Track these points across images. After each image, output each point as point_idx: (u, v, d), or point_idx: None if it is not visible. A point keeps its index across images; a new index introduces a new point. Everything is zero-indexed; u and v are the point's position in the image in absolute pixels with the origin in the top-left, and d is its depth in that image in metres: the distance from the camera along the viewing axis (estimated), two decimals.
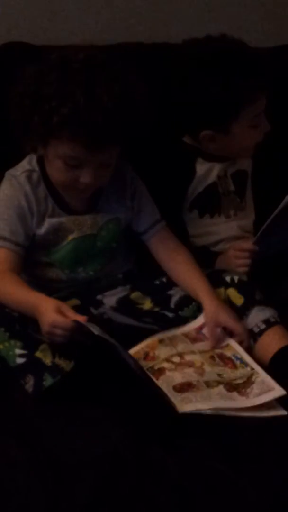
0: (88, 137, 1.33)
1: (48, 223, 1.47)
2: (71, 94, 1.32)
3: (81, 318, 1.29)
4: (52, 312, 1.29)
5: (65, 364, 1.32)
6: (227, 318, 1.43)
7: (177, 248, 1.54)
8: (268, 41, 1.80)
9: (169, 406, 1.26)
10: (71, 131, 1.33)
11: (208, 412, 1.26)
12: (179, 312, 1.50)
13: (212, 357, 1.40)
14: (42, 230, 1.46)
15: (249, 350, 1.42)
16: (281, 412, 1.28)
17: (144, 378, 1.29)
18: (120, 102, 1.33)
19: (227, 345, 1.42)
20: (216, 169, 1.63)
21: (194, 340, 1.45)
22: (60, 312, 1.30)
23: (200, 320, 1.47)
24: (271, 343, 1.42)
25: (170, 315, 1.50)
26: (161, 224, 1.55)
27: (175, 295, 1.51)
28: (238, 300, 1.48)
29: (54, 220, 1.47)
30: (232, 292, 1.49)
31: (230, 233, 1.65)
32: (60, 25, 1.59)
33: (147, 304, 1.52)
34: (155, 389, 1.28)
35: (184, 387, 1.32)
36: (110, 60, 1.38)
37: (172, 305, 1.51)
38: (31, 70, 1.38)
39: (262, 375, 1.34)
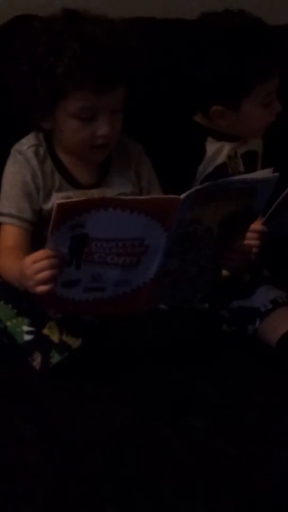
0: (95, 79, 1.34)
1: (55, 197, 1.46)
2: (65, 46, 1.34)
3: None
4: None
5: (73, 342, 1.32)
6: None
7: None
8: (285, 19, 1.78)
9: None
10: (77, 78, 1.34)
11: None
12: None
13: None
14: (49, 205, 1.46)
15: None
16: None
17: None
18: (113, 37, 1.36)
19: None
20: (226, 149, 1.61)
21: None
22: None
23: None
24: (278, 324, 1.42)
25: None
26: None
27: None
28: (245, 276, 1.47)
29: (61, 195, 1.46)
30: None
31: None
32: None
33: None
34: None
35: None
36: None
37: None
38: (19, 41, 1.40)
39: None
